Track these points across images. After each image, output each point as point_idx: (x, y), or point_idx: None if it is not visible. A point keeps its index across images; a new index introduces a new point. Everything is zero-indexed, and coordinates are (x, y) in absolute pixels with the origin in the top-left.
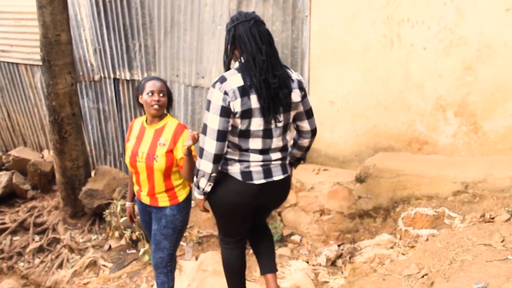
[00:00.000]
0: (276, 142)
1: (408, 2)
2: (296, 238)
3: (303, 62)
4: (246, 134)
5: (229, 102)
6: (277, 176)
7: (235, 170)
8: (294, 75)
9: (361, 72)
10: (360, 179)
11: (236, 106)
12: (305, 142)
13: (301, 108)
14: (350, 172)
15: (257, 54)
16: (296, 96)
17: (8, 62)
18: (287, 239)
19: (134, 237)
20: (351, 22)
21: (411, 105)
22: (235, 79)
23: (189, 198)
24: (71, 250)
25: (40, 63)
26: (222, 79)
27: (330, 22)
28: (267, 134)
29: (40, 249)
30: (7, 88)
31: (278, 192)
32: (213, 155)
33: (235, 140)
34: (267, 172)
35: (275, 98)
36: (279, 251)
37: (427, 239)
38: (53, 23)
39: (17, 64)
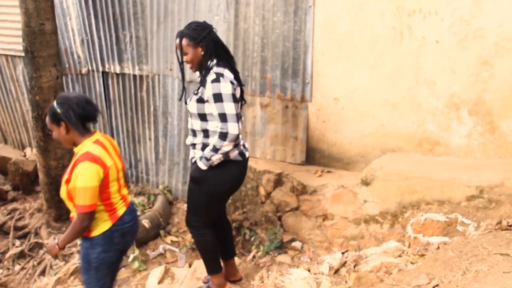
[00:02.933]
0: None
1: None
2: (297, 244)
3: (306, 56)
4: (238, 117)
5: (234, 89)
6: (247, 151)
7: (235, 154)
8: None
9: (368, 67)
10: (366, 182)
11: (237, 93)
12: None
13: None
14: (356, 174)
15: (231, 55)
16: None
17: None
18: (287, 246)
19: None
20: (357, 13)
21: (422, 103)
22: (228, 73)
23: (108, 234)
24: (55, 256)
25: (23, 54)
26: (221, 73)
27: (335, 13)
28: (240, 116)
29: (21, 255)
30: None
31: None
32: (236, 136)
33: None
34: (245, 147)
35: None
36: (278, 258)
37: (438, 247)
38: (37, 10)
39: None
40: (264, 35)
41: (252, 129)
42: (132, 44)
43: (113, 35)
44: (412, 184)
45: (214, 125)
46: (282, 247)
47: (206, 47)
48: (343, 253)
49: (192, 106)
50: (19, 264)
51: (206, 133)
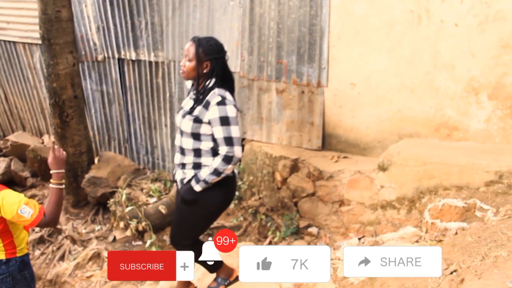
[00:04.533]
0: None
1: None
2: (313, 230)
3: (322, 41)
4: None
5: (236, 113)
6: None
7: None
8: None
9: (385, 52)
10: (383, 167)
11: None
12: None
13: None
14: (372, 159)
15: (233, 79)
16: None
17: (4, 41)
18: (304, 231)
19: (140, 228)
20: None
21: (440, 87)
22: (229, 96)
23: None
24: (74, 241)
25: (39, 41)
26: (225, 96)
27: None
28: None
29: (40, 240)
30: (4, 68)
31: None
32: (239, 159)
33: None
34: None
35: None
36: (294, 243)
37: (456, 233)
38: None
39: (14, 42)
40: (280, 20)
41: (268, 115)
42: (148, 30)
43: (129, 21)
44: (430, 169)
45: (207, 145)
46: (298, 233)
47: (213, 68)
48: (359, 238)
49: (186, 125)
50: (39, 249)
51: (198, 152)
